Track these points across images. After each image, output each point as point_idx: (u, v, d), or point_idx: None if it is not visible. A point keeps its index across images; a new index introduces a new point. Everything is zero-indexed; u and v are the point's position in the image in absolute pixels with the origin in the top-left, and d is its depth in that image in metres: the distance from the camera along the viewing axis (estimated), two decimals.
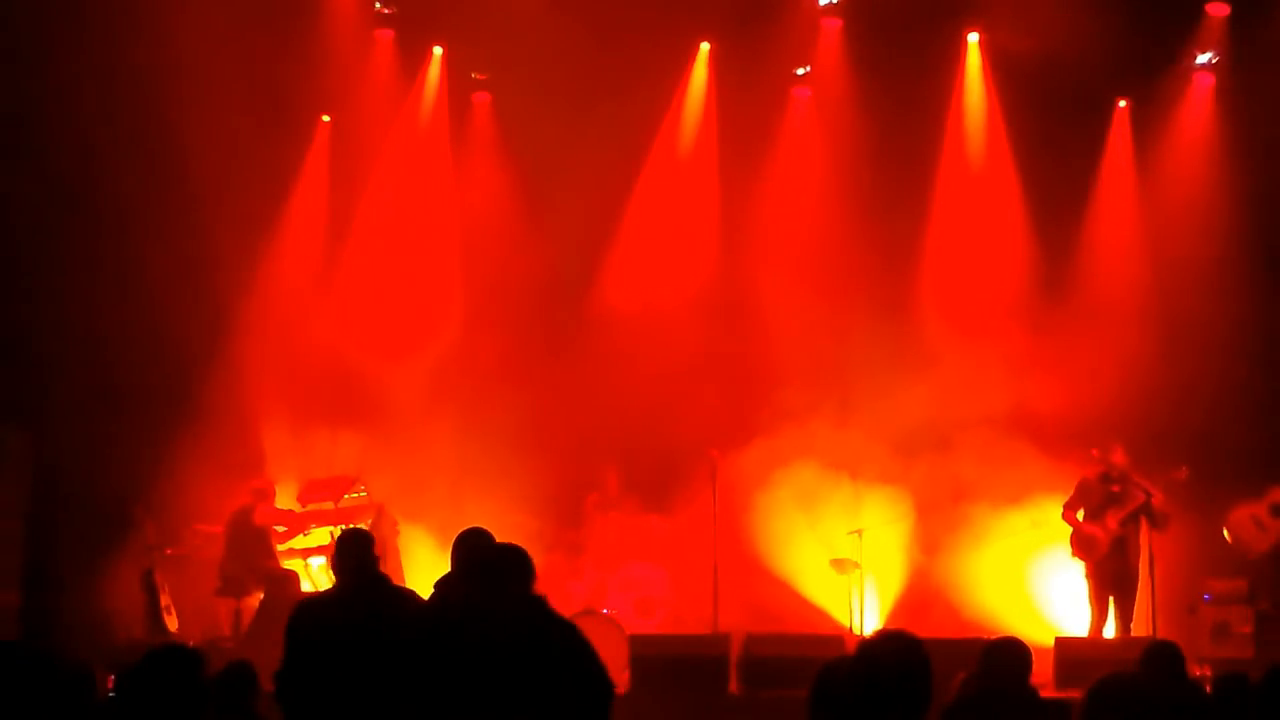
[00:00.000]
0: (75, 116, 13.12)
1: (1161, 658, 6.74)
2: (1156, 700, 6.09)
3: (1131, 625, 12.19)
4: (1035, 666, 6.75)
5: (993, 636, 7.00)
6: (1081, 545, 12.39)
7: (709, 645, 11.65)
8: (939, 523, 13.72)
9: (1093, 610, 12.34)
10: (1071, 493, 12.56)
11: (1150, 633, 11.62)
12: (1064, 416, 13.38)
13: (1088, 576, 12.40)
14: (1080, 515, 12.46)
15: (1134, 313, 14.14)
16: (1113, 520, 12.27)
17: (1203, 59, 14.44)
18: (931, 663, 4.05)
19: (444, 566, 7.60)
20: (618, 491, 13.49)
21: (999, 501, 13.47)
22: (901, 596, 13.66)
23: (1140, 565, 12.25)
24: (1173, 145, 14.59)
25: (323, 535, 13.38)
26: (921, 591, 13.60)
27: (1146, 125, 14.65)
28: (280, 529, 13.05)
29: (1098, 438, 12.55)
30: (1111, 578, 12.28)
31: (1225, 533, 13.08)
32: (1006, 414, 13.58)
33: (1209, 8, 14.19)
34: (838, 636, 11.12)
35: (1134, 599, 12.23)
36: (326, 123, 14.91)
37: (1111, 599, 12.28)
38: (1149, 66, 14.28)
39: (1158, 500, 12.10)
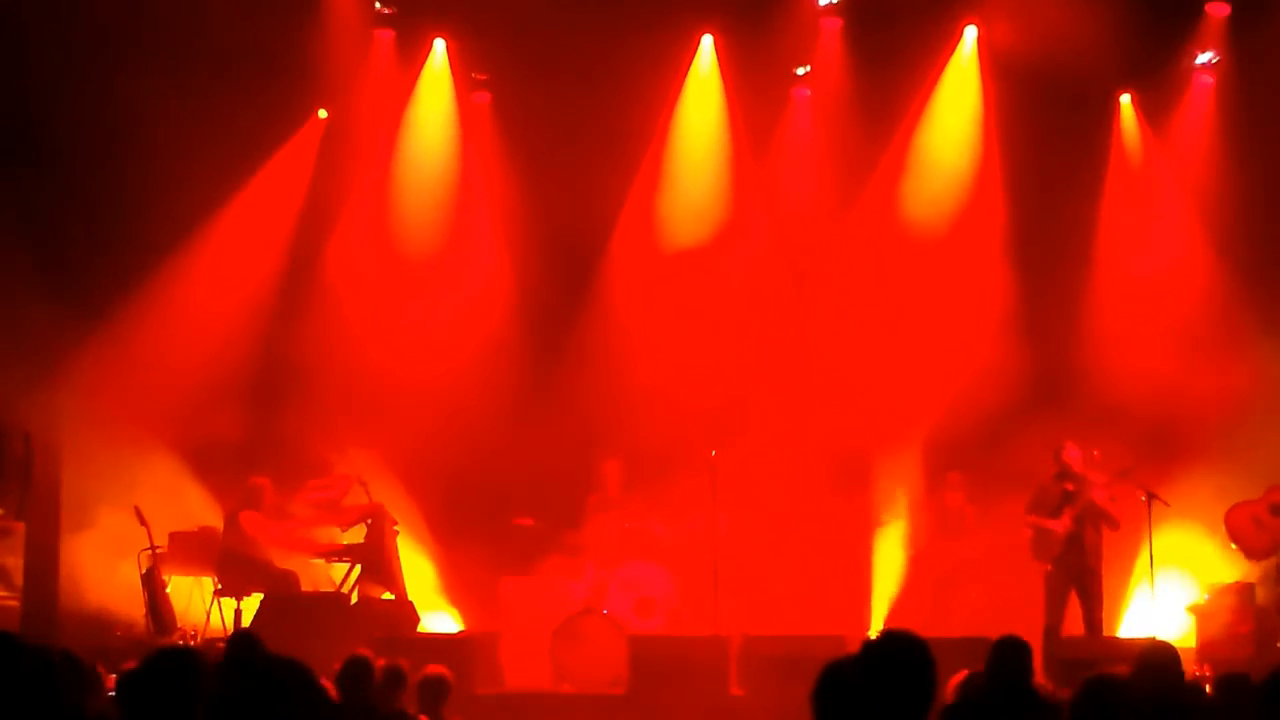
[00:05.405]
0: (68, 118, 13.10)
1: (1158, 659, 6.72)
2: (1151, 702, 6.07)
3: (1099, 623, 12.09)
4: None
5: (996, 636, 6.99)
6: (1037, 545, 12.30)
7: (709, 646, 11.64)
8: (940, 522, 13.72)
9: (1050, 609, 12.11)
10: (1031, 497, 12.49)
11: (1149, 633, 11.60)
12: (1064, 415, 13.37)
13: (1047, 576, 12.26)
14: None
15: (1132, 311, 14.14)
16: (1067, 518, 12.21)
17: (1203, 59, 14.44)
18: (935, 663, 4.05)
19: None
20: (618, 491, 13.48)
21: (1001, 502, 13.46)
22: (902, 596, 13.65)
23: (1100, 564, 12.18)
24: (1172, 145, 14.58)
25: (325, 535, 13.37)
26: (923, 591, 13.58)
27: (1146, 124, 14.65)
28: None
29: (1056, 438, 12.54)
30: (1071, 576, 12.14)
31: (1225, 532, 13.08)
32: (1008, 412, 13.57)
33: (1209, 8, 14.19)
34: (838, 637, 11.10)
35: (1099, 597, 12.09)
36: (323, 118, 14.88)
37: (1076, 597, 12.13)
38: (1149, 66, 14.28)
39: (1103, 499, 12.02)
